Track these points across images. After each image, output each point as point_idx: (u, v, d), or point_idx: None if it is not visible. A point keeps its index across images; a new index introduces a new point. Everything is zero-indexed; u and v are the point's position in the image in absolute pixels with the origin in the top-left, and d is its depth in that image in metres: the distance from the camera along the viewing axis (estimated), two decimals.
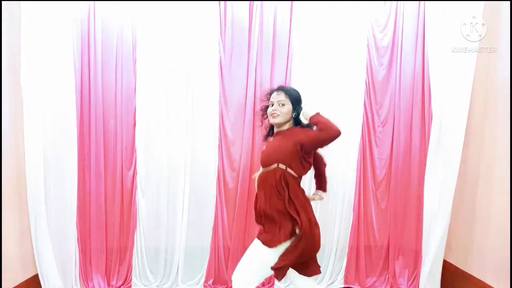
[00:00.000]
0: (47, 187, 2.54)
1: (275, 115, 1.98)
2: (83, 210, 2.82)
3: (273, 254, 1.84)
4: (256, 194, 2.04)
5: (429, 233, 2.82)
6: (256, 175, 2.05)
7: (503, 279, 2.44)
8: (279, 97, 1.99)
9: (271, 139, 2.12)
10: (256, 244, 1.93)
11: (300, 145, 1.87)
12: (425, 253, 2.85)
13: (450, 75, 2.64)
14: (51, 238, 2.60)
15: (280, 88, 2.05)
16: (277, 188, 1.88)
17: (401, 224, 2.97)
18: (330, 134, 1.80)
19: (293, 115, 2.00)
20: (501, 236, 2.47)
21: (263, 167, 1.99)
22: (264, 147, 2.08)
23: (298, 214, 1.84)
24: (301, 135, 1.89)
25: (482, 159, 2.68)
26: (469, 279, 2.75)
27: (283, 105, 1.98)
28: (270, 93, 2.07)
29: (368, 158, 2.98)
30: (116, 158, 2.85)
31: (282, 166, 1.89)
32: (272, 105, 2.01)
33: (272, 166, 1.91)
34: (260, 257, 1.88)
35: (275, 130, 2.08)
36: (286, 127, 2.02)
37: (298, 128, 2.00)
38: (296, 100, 2.01)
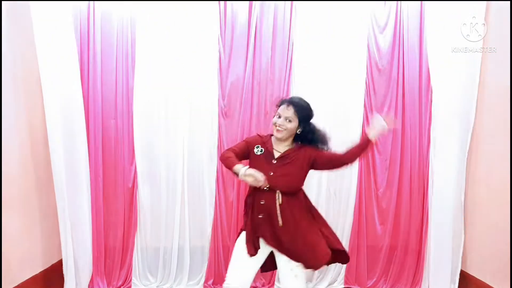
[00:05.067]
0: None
1: (280, 130, 1.89)
2: None
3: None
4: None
5: (432, 234, 2.81)
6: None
7: (503, 279, 2.44)
8: (287, 113, 1.88)
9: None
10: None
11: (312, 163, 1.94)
12: (428, 254, 2.84)
13: (451, 76, 2.64)
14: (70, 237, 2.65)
15: (291, 102, 1.90)
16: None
17: (403, 225, 2.96)
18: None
19: (297, 132, 1.93)
20: (501, 236, 2.47)
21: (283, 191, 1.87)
22: (272, 173, 1.85)
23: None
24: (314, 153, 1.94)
25: (480, 159, 2.69)
26: (469, 279, 2.75)
27: (290, 121, 1.89)
28: (281, 103, 1.94)
29: (370, 158, 2.97)
30: (115, 159, 2.85)
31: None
32: (279, 117, 1.90)
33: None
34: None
35: (275, 145, 1.96)
36: (287, 143, 1.96)
37: (303, 148, 1.94)
38: (304, 119, 1.92)
